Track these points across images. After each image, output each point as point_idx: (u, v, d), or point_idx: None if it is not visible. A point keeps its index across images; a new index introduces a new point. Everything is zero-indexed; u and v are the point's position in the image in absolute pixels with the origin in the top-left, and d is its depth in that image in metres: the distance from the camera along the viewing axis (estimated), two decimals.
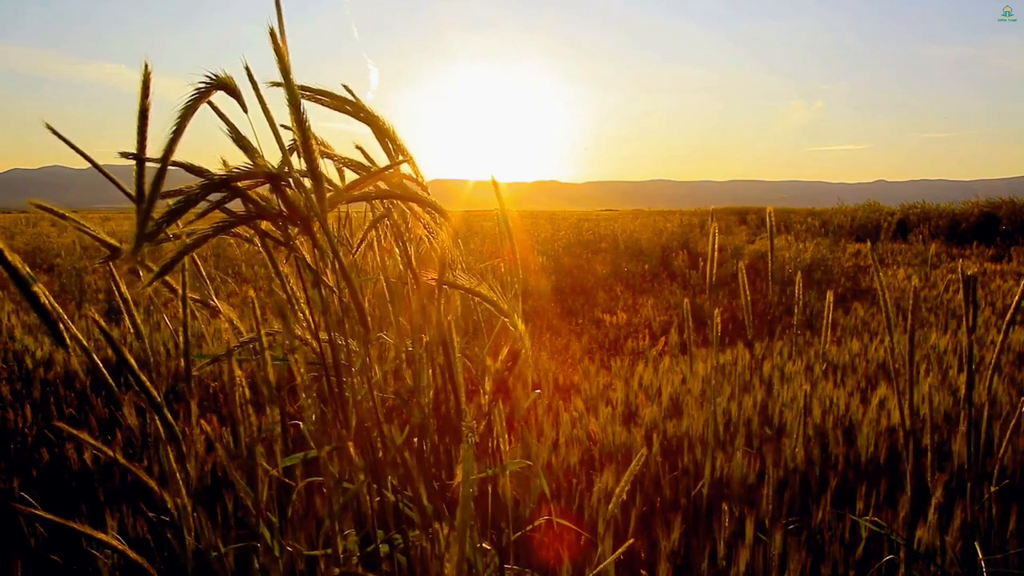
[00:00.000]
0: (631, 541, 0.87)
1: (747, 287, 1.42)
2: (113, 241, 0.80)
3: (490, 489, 0.94)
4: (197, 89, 0.61)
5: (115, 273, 0.82)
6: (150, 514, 1.48)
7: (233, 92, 0.67)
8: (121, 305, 0.81)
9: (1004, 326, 1.01)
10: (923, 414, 1.84)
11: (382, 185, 0.82)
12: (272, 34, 0.63)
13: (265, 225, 0.77)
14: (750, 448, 1.68)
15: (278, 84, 0.68)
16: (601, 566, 0.86)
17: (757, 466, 1.53)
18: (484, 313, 0.91)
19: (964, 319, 0.97)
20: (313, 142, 0.65)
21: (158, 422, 0.75)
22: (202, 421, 1.93)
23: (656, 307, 4.60)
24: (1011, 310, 0.96)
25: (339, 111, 0.81)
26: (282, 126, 0.78)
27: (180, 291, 0.82)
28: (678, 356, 2.85)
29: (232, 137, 0.73)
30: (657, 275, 6.25)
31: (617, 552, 0.85)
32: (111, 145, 0.73)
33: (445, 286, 0.81)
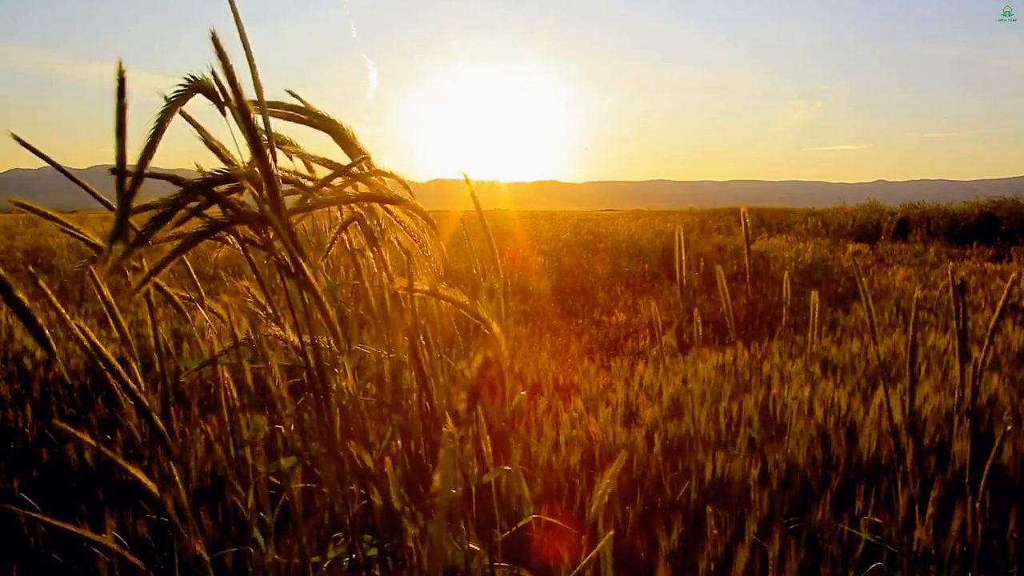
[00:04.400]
0: (610, 534, 0.87)
1: (727, 290, 1.42)
2: (99, 242, 0.79)
3: (473, 491, 0.94)
4: (168, 99, 0.60)
5: (97, 277, 0.81)
6: (151, 515, 1.48)
7: (212, 95, 0.65)
8: (105, 309, 0.81)
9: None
10: (924, 415, 1.84)
11: (349, 190, 0.81)
12: (215, 39, 0.61)
13: (243, 229, 0.75)
14: (751, 448, 1.68)
15: (227, 103, 0.67)
16: (587, 558, 0.86)
17: (758, 466, 1.53)
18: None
19: (956, 320, 0.97)
20: (267, 149, 0.64)
21: (157, 424, 0.75)
22: (201, 421, 1.93)
23: (656, 307, 4.60)
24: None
25: (292, 120, 0.78)
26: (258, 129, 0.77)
27: (153, 293, 0.82)
28: (678, 356, 2.85)
29: (204, 141, 0.71)
30: (657, 275, 6.25)
31: (599, 546, 0.85)
32: (111, 145, 0.72)
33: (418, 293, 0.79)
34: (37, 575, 1.43)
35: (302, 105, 0.80)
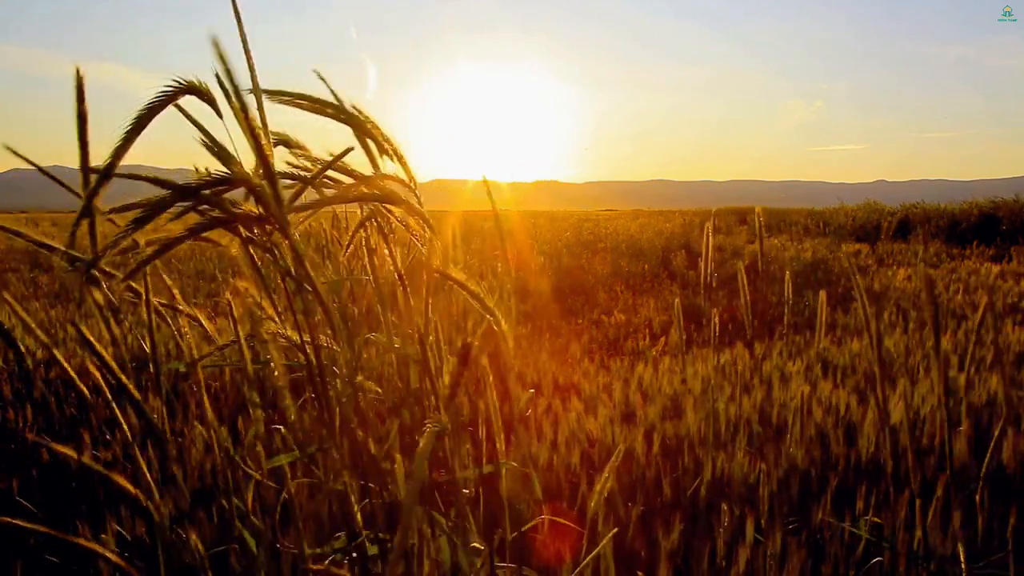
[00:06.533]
0: (612, 532, 0.87)
1: (747, 288, 1.41)
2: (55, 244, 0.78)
3: (481, 491, 0.94)
4: (155, 97, 0.60)
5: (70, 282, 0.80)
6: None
7: (206, 97, 0.64)
8: (96, 312, 0.80)
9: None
10: (923, 414, 1.84)
11: (363, 189, 0.80)
12: (215, 42, 0.61)
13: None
14: (751, 448, 1.68)
15: (229, 99, 0.66)
16: (589, 556, 0.86)
17: (758, 466, 1.53)
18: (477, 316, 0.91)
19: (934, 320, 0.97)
20: (269, 148, 0.64)
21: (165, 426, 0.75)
22: (196, 423, 1.93)
23: (656, 307, 4.60)
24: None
25: (318, 113, 0.77)
26: (276, 135, 0.77)
27: (143, 296, 0.82)
28: (677, 356, 2.85)
29: (204, 144, 0.70)
30: (657, 275, 6.25)
31: (601, 545, 0.85)
32: (110, 145, 0.72)
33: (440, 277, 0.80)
34: (38, 574, 1.43)
35: (328, 99, 0.78)
